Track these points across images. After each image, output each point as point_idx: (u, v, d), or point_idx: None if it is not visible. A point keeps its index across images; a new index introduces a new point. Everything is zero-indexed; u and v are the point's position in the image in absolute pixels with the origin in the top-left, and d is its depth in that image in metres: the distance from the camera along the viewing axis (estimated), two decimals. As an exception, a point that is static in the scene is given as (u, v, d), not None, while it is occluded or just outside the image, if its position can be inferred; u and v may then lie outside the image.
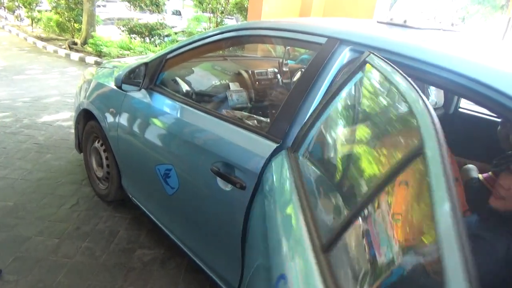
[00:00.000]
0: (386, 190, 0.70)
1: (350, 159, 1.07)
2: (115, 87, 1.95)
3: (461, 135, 1.80)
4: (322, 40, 1.30)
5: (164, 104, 1.79)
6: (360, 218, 0.74)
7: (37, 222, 2.22)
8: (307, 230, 0.86)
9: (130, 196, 2.17)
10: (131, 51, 8.04)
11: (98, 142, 2.40)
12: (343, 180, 1.02)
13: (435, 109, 1.77)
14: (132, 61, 2.51)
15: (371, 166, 0.93)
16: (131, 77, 1.87)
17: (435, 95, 1.95)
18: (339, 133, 1.18)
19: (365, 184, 0.87)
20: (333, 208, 0.98)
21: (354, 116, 1.25)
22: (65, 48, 8.77)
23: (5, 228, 2.13)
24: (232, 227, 1.38)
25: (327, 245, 0.78)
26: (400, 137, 0.90)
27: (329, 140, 1.17)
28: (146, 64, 1.88)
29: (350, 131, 1.17)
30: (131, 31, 8.93)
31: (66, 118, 4.15)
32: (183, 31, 9.37)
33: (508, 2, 16.91)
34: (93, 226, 2.23)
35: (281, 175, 1.15)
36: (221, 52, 2.74)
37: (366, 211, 0.73)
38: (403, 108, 0.89)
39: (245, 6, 8.97)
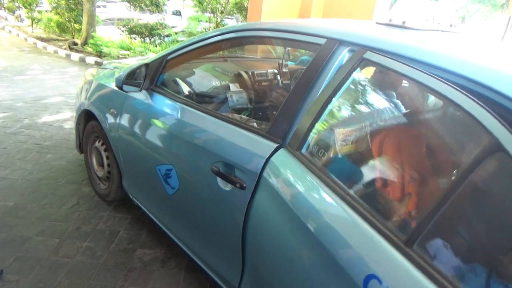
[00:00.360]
0: (464, 185, 0.77)
1: (386, 154, 1.15)
2: (116, 88, 1.96)
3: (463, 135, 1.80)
4: (321, 41, 1.31)
5: (165, 104, 1.79)
6: (446, 211, 0.79)
7: (38, 222, 2.23)
8: (371, 226, 0.90)
9: (131, 196, 2.18)
10: (131, 51, 8.05)
11: (98, 142, 2.40)
12: (388, 176, 1.13)
13: (435, 109, 1.78)
14: (133, 62, 2.52)
15: (426, 162, 1.07)
16: (131, 78, 1.88)
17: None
18: (353, 128, 1.27)
19: (438, 180, 1.00)
20: (391, 202, 1.05)
21: (364, 111, 1.39)
22: (65, 49, 8.79)
23: (6, 228, 2.13)
24: (232, 226, 1.39)
25: (411, 239, 0.81)
26: (445, 132, 1.03)
27: (343, 135, 1.25)
28: (146, 65, 1.89)
29: (365, 126, 1.26)
30: (131, 31, 8.94)
31: (66, 118, 4.16)
32: (183, 31, 9.38)
33: (508, 1, 16.91)
34: (93, 226, 2.24)
35: (295, 174, 1.18)
36: (221, 53, 2.75)
37: (451, 205, 0.79)
38: (434, 102, 0.98)
39: (245, 6, 8.99)
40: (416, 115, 1.39)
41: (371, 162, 1.24)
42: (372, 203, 1.02)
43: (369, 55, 1.16)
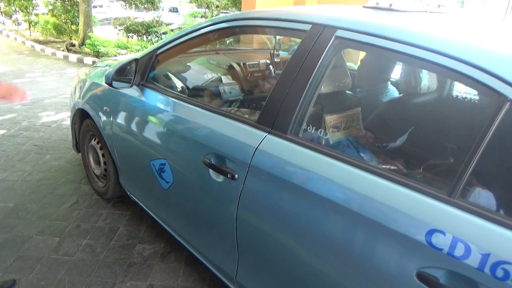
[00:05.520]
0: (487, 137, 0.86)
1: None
2: (107, 85, 1.95)
3: (455, 119, 1.79)
4: (307, 27, 1.29)
5: (156, 99, 1.79)
6: (477, 163, 0.87)
7: (38, 221, 2.24)
8: (411, 189, 0.95)
9: (128, 193, 2.18)
10: (128, 49, 8.04)
11: (94, 140, 2.41)
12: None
13: (427, 93, 1.77)
14: (125, 58, 2.50)
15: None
16: (122, 74, 1.87)
17: (428, 79, 1.93)
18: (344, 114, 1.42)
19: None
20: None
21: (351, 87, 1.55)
22: (63, 50, 8.78)
23: (6, 229, 2.15)
24: (226, 217, 1.40)
25: (451, 189, 0.90)
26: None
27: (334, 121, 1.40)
28: (136, 60, 1.88)
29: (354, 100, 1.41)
30: (128, 30, 8.92)
31: (64, 118, 4.16)
32: (179, 28, 9.35)
33: (507, -17, 16.64)
34: (93, 224, 2.25)
35: (285, 154, 1.20)
36: (212, 45, 2.74)
37: (481, 157, 0.87)
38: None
39: (241, -1, 8.92)
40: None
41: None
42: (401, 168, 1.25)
43: (353, 37, 1.16)
